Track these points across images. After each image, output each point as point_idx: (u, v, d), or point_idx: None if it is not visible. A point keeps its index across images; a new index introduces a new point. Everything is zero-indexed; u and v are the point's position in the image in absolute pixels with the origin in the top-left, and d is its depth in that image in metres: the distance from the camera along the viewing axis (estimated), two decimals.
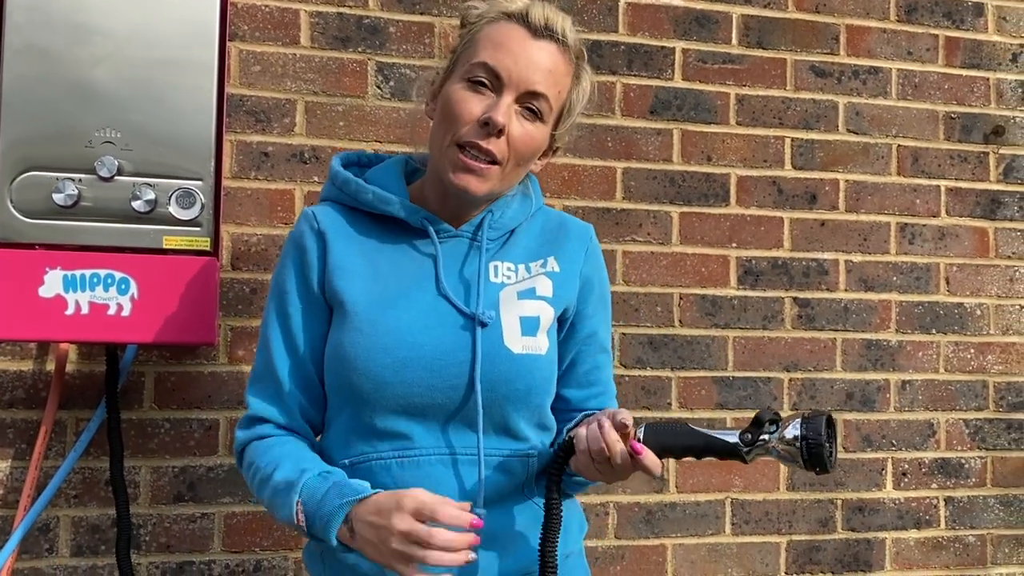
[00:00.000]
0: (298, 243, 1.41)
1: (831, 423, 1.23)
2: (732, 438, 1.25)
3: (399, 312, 1.34)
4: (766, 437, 1.24)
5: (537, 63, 1.33)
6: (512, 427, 1.36)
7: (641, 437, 1.24)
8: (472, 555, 1.17)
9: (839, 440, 1.16)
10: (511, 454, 1.35)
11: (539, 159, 1.43)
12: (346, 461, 1.32)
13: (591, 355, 1.48)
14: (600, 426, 1.23)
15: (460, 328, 1.34)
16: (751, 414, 2.33)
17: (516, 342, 1.35)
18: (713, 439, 1.26)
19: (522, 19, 1.34)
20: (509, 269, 1.41)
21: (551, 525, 1.28)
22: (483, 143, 1.32)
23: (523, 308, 1.37)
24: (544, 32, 1.34)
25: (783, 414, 1.26)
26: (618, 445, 1.22)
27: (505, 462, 1.35)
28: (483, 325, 1.33)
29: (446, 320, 1.34)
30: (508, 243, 1.44)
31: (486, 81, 1.33)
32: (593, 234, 1.51)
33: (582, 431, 1.26)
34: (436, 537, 1.15)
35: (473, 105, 1.32)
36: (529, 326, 1.36)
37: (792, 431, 1.23)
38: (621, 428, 1.22)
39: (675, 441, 1.27)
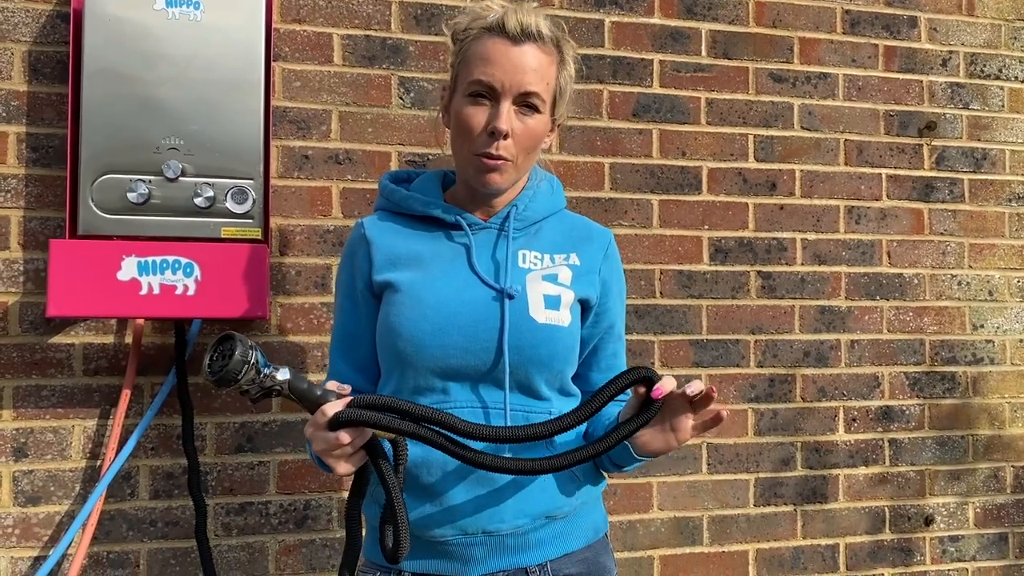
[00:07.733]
0: (349, 250, 1.44)
1: (223, 341, 1.15)
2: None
3: (437, 288, 1.33)
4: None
5: (523, 66, 1.31)
6: (535, 388, 1.34)
7: None
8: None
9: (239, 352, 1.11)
10: (535, 410, 1.34)
11: (547, 138, 1.41)
12: None
13: (610, 343, 1.48)
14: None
15: (491, 300, 1.33)
16: (724, 371, 2.38)
17: (540, 313, 1.33)
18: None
19: (500, 30, 1.32)
20: (536, 257, 1.39)
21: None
22: (494, 150, 1.32)
23: (547, 288, 1.36)
24: (522, 37, 1.32)
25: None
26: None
27: (530, 416, 1.33)
28: (510, 297, 1.32)
29: (478, 294, 1.33)
30: (535, 235, 1.42)
31: (484, 93, 1.32)
32: (612, 239, 1.48)
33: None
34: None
35: (479, 118, 1.32)
36: (552, 302, 1.35)
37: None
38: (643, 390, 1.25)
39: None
